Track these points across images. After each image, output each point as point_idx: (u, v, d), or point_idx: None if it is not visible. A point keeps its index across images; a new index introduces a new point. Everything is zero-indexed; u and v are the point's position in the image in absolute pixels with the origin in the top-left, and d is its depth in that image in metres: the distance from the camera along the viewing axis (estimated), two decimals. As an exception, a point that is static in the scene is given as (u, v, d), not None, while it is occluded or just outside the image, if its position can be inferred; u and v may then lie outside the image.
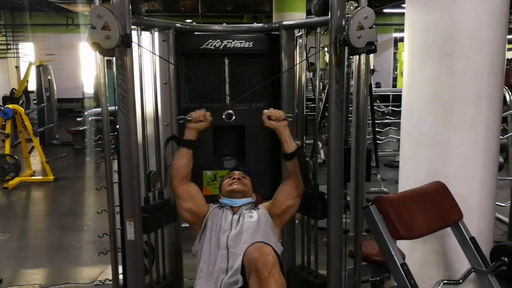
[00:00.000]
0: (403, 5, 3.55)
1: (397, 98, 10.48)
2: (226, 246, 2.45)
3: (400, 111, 3.70)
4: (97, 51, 2.30)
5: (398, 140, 6.66)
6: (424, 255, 3.30)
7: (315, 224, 3.06)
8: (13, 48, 17.21)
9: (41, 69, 11.06)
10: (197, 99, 3.13)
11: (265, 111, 2.68)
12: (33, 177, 8.06)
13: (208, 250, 2.54)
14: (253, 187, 2.84)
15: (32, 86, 12.90)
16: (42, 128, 10.28)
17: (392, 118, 9.30)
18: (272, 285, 2.07)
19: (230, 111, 3.08)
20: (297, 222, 3.25)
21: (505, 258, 3.18)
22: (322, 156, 7.01)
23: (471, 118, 3.15)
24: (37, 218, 6.31)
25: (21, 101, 13.11)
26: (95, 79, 11.34)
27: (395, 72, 20.24)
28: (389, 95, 11.80)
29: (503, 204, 5.02)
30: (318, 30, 2.90)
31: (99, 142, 8.21)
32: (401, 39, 18.54)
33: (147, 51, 2.79)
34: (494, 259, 3.19)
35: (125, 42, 2.32)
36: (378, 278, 3.15)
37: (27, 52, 16.87)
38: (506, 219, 4.80)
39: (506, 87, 5.39)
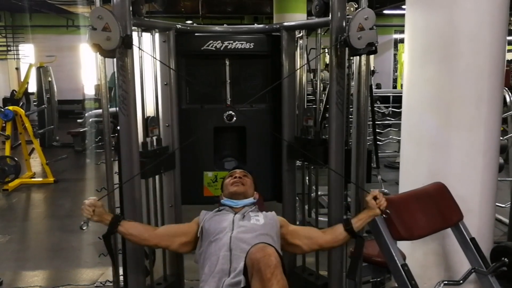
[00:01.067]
0: (403, 6, 3.55)
1: (398, 99, 10.48)
2: (229, 248, 2.42)
3: (400, 112, 3.70)
4: (98, 53, 2.30)
5: (399, 141, 6.67)
6: (424, 256, 3.30)
7: (315, 225, 3.07)
8: (13, 50, 17.23)
9: (42, 70, 11.06)
10: (198, 100, 3.13)
11: (376, 192, 2.54)
12: (33, 179, 8.05)
13: (209, 252, 2.52)
14: (255, 186, 2.82)
15: (32, 87, 12.90)
16: (42, 130, 10.28)
17: (393, 119, 9.30)
18: (275, 286, 2.05)
19: (231, 112, 3.08)
20: (298, 223, 3.25)
21: (506, 259, 3.18)
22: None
23: (472, 119, 3.15)
24: (37, 220, 6.31)
25: (21, 103, 13.11)
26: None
27: (395, 74, 20.26)
28: (389, 96, 11.79)
29: (503, 205, 5.02)
30: (319, 31, 2.91)
31: (100, 143, 8.21)
32: (401, 41, 18.56)
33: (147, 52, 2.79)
34: (494, 259, 3.19)
35: (126, 43, 2.32)
36: (379, 279, 3.15)
37: (27, 53, 16.88)
38: (506, 220, 4.80)
39: (506, 88, 5.39)
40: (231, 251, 2.40)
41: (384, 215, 2.56)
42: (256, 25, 3.25)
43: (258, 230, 2.49)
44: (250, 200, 2.73)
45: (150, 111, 2.85)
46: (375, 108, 7.95)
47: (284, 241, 2.62)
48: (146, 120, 2.78)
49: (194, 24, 3.22)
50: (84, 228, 2.52)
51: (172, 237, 2.60)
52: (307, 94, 3.53)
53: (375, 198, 2.52)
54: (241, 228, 2.50)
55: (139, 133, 2.63)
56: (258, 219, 2.58)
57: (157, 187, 2.94)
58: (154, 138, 2.86)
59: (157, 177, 2.92)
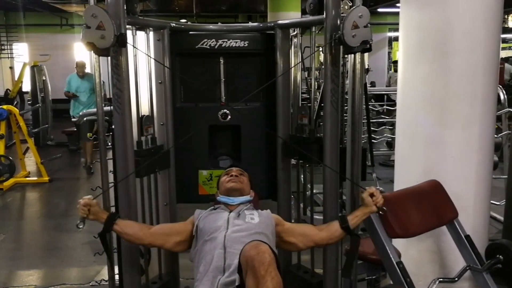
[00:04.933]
0: (398, 4, 3.56)
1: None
2: (223, 246, 2.42)
3: (395, 110, 3.70)
4: (92, 51, 2.30)
5: (393, 139, 6.67)
6: (419, 254, 3.31)
7: (310, 223, 3.07)
8: (7, 49, 17.14)
9: (36, 69, 11.02)
10: (192, 98, 3.13)
11: (373, 188, 2.52)
12: (28, 178, 8.03)
13: (203, 251, 2.51)
14: (251, 184, 2.81)
15: (26, 86, 12.84)
16: (36, 129, 10.25)
17: (387, 117, 9.31)
18: (269, 284, 2.05)
19: (226, 110, 3.08)
20: (293, 221, 3.25)
21: (500, 256, 3.19)
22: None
23: (466, 116, 3.16)
24: (32, 219, 6.29)
25: (15, 102, 13.03)
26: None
27: (390, 72, 20.30)
28: (383, 94, 11.79)
29: (498, 203, 5.03)
30: (313, 29, 2.91)
31: (94, 142, 8.20)
32: (396, 39, 18.59)
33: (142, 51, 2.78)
34: (489, 257, 3.20)
35: (120, 42, 2.31)
36: (374, 277, 3.16)
37: (21, 52, 16.77)
38: (501, 218, 4.82)
39: (500, 86, 5.41)
40: (225, 249, 2.39)
41: (380, 212, 2.52)
42: (250, 24, 3.24)
43: (253, 228, 2.47)
44: (246, 197, 2.71)
45: (144, 109, 2.84)
46: (370, 106, 7.95)
47: (280, 239, 2.62)
48: (141, 118, 2.77)
49: (188, 23, 3.21)
50: (80, 227, 2.52)
51: (167, 236, 2.59)
52: (302, 93, 3.53)
53: (371, 195, 2.50)
54: (236, 227, 2.48)
55: (134, 132, 2.62)
56: (253, 217, 2.56)
57: (152, 185, 2.93)
58: (149, 137, 2.85)
59: (152, 175, 2.92)
